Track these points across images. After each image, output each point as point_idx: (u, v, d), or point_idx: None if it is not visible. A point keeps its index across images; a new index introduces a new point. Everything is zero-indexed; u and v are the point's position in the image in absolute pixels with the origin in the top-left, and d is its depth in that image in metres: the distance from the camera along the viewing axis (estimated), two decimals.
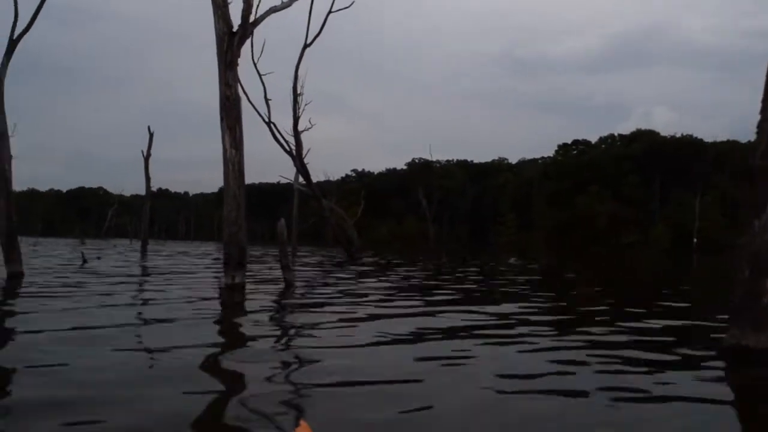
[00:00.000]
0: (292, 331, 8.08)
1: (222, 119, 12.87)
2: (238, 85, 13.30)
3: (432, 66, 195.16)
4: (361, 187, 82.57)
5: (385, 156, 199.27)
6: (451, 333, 7.73)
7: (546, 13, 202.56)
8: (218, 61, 13.02)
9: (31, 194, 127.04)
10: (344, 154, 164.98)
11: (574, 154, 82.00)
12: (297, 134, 28.34)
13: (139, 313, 9.06)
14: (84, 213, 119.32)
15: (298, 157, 28.58)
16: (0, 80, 14.44)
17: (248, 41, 16.06)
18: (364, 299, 11.55)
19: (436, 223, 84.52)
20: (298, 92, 27.80)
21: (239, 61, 13.36)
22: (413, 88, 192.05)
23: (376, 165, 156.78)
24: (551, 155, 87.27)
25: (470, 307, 10.49)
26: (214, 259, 26.87)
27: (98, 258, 25.00)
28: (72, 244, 50.09)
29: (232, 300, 11.21)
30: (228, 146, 12.78)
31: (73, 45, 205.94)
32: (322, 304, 10.62)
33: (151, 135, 56.00)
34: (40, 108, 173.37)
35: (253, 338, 7.21)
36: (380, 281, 16.27)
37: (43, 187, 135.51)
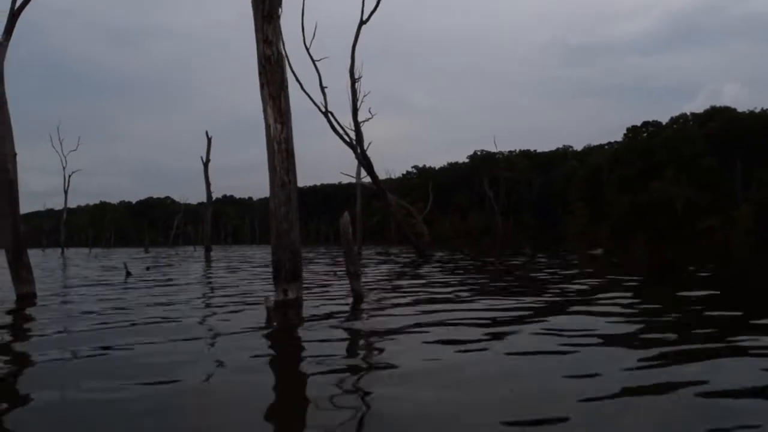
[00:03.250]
0: (380, 390, 4.72)
1: (262, 86, 9.65)
2: (281, 43, 10.06)
3: (487, 57, 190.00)
4: (425, 182, 79.27)
5: (445, 150, 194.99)
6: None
7: None
8: (254, 13, 9.82)
9: (103, 206, 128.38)
10: (404, 151, 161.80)
11: (644, 136, 76.30)
12: (357, 123, 25.12)
13: (128, 373, 5.81)
14: (153, 222, 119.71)
15: (359, 148, 25.37)
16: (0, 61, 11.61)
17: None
18: (472, 316, 8.12)
19: (502, 215, 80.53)
20: (356, 76, 24.61)
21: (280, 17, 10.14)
22: (470, 80, 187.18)
23: (437, 160, 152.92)
24: (619, 140, 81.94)
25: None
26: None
27: (147, 269, 22.29)
28: (135, 254, 48.23)
29: (284, 326, 7.95)
30: (272, 120, 9.55)
31: (138, 62, 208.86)
32: (411, 330, 7.23)
33: (209, 140, 54.24)
34: (108, 123, 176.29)
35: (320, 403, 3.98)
36: (479, 288, 12.81)
37: (113, 199, 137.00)
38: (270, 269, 14.76)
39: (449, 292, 11.11)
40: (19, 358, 6.13)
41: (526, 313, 8.28)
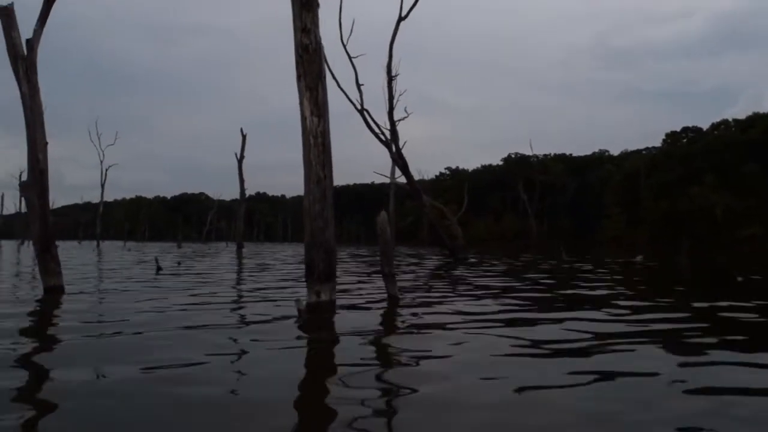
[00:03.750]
0: (412, 410, 4.17)
1: (299, 77, 9.17)
2: (319, 33, 9.56)
3: (524, 60, 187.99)
4: (458, 183, 78.48)
5: (479, 153, 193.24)
6: None
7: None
8: (292, 1, 9.34)
9: (138, 201, 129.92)
10: (437, 152, 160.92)
11: (684, 142, 74.48)
12: (393, 122, 24.61)
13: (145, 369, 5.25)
14: (187, 218, 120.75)
15: (394, 146, 24.83)
16: (32, 47, 11.31)
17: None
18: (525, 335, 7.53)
19: (536, 218, 79.37)
20: (393, 74, 24.05)
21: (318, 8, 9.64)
22: (506, 83, 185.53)
23: (471, 162, 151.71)
24: (657, 145, 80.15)
25: None
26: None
27: (178, 264, 22.05)
28: (168, 248, 48.33)
29: (314, 331, 7.44)
30: (308, 113, 9.06)
31: (175, 59, 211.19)
32: (448, 336, 6.67)
33: (244, 137, 54.32)
34: (145, 119, 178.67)
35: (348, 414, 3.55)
36: (520, 294, 12.19)
37: (149, 194, 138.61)
38: (302, 268, 14.32)
39: (493, 300, 10.51)
40: (43, 346, 5.72)
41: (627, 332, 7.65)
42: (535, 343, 6.22)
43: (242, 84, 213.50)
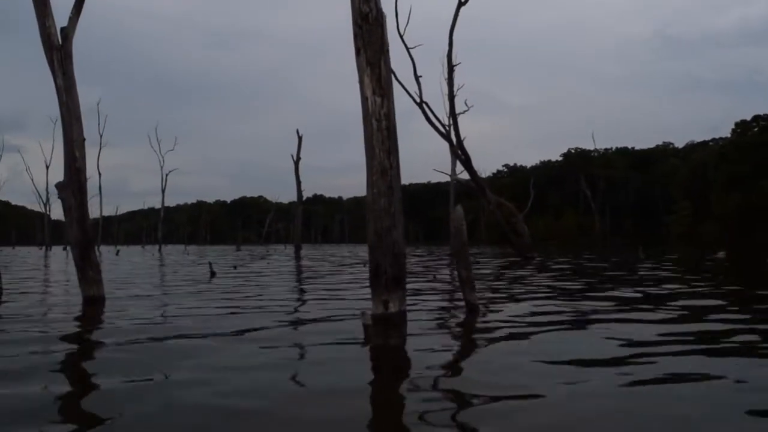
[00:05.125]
0: None
1: (358, 51, 7.77)
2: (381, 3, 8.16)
3: (581, 53, 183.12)
4: (516, 180, 76.19)
5: (537, 148, 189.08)
6: None
7: None
8: None
9: (199, 205, 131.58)
10: (493, 149, 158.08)
11: (755, 131, 70.30)
12: (454, 114, 23.05)
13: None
14: (246, 221, 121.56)
15: (456, 140, 23.29)
16: (67, 37, 10.27)
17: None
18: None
19: (598, 215, 76.45)
20: (454, 63, 22.51)
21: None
22: (562, 77, 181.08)
23: (528, 158, 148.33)
24: (725, 136, 76.10)
25: None
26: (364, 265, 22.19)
27: (234, 267, 21.04)
28: (227, 251, 47.86)
29: (385, 351, 6.04)
30: (369, 93, 7.66)
31: (235, 65, 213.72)
32: (542, 356, 5.17)
33: (300, 138, 53.59)
34: (206, 125, 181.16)
35: None
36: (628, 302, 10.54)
37: (210, 198, 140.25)
38: (364, 271, 12.97)
39: (595, 309, 8.92)
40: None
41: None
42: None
43: (300, 88, 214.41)
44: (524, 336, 6.43)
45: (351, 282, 14.34)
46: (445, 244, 54.52)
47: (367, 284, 7.74)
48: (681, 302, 9.26)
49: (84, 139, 10.09)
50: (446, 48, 22.25)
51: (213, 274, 16.67)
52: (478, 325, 7.37)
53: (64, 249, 59.09)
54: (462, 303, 8.42)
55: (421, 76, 23.17)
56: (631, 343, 5.84)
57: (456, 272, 8.78)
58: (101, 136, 67.80)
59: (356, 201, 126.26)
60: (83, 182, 9.95)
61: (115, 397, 4.12)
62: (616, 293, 10.62)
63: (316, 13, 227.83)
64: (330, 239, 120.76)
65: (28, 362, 5.24)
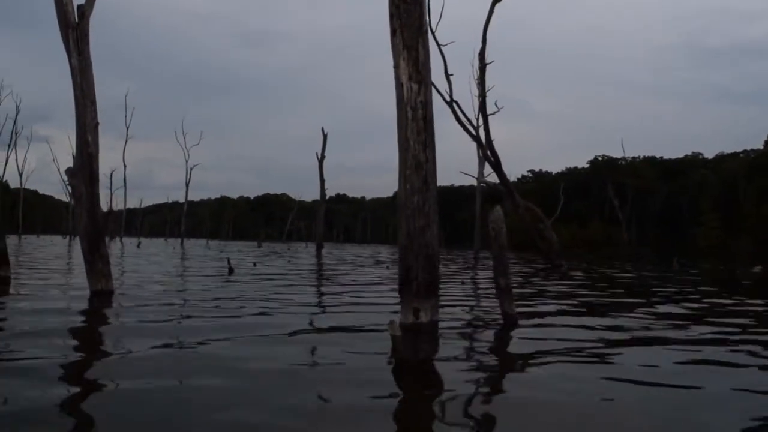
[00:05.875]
0: None
1: (393, 32, 7.02)
2: None
3: (610, 60, 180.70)
4: (541, 187, 74.97)
5: (563, 155, 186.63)
6: None
7: None
8: None
9: (223, 201, 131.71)
10: (518, 154, 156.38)
11: None
12: (485, 114, 22.20)
13: None
14: (269, 218, 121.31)
15: (486, 141, 22.45)
16: (83, 15, 9.65)
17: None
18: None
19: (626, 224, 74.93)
20: (487, 62, 21.67)
21: None
22: (590, 83, 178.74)
23: (553, 165, 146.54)
24: (757, 147, 74.09)
25: None
26: (389, 268, 21.47)
27: (254, 265, 20.38)
28: (248, 247, 47.35)
29: (414, 365, 5.29)
30: (405, 78, 6.91)
31: (262, 62, 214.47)
32: (595, 380, 4.38)
33: (325, 137, 52.96)
34: (231, 121, 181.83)
35: None
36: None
37: (234, 194, 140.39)
38: (389, 274, 12.21)
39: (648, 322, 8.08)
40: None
41: None
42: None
43: (325, 87, 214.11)
44: (571, 353, 5.64)
45: (374, 284, 13.56)
46: (469, 248, 53.54)
47: (396, 289, 7.02)
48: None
49: (98, 123, 9.47)
50: (477, 47, 21.48)
51: (231, 270, 16.01)
52: (518, 340, 6.58)
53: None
54: (497, 313, 7.63)
55: (452, 75, 22.40)
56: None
57: (492, 279, 8.00)
58: (127, 128, 67.68)
59: (379, 201, 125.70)
60: (95, 169, 9.33)
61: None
62: (661, 309, 9.75)
63: (343, 13, 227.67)
64: (352, 239, 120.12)
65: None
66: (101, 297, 8.96)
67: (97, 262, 9.22)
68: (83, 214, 9.18)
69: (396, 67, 7.05)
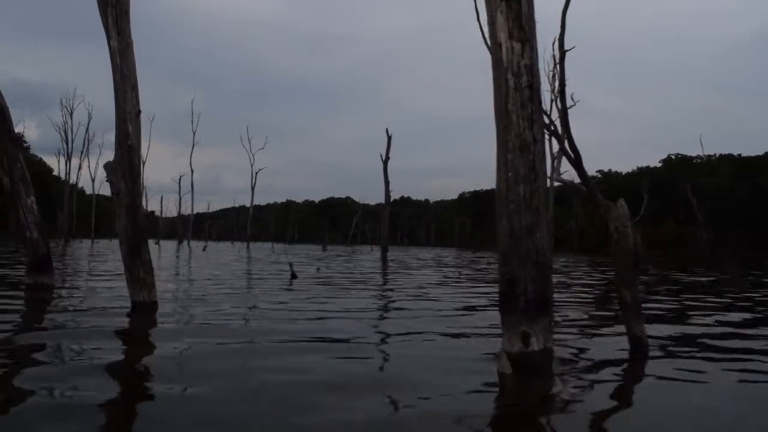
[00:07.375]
0: None
1: None
2: None
3: (681, 56, 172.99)
4: (611, 187, 71.62)
5: (633, 154, 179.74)
6: None
7: None
8: None
9: (288, 205, 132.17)
10: (585, 154, 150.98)
11: None
12: (564, 106, 20.20)
13: None
14: (333, 221, 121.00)
15: (565, 136, 20.52)
16: None
17: None
18: None
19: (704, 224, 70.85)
20: (567, 48, 19.73)
21: None
22: (660, 80, 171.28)
23: (624, 164, 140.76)
24: None
25: None
26: (466, 274, 19.83)
27: (317, 270, 19.08)
28: (313, 251, 46.42)
29: (532, 413, 3.73)
30: (504, 37, 5.29)
31: (326, 68, 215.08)
32: None
33: (389, 138, 51.70)
34: (295, 126, 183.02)
35: None
36: None
37: (299, 198, 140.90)
38: (472, 285, 10.75)
39: None
40: None
41: None
42: None
43: (390, 91, 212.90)
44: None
45: (459, 295, 11.81)
46: None
47: (491, 305, 5.44)
48: None
49: (140, 111, 8.20)
50: (555, 34, 19.58)
51: (293, 276, 14.73)
52: (658, 374, 4.91)
53: (156, 243, 59.38)
54: (615, 333, 5.96)
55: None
56: None
57: (586, 290, 6.35)
58: (194, 134, 68.19)
59: (443, 204, 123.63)
60: (136, 163, 8.06)
61: None
62: None
63: (406, 18, 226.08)
64: (416, 242, 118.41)
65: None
66: (142, 311, 7.69)
67: (138, 269, 7.95)
68: (122, 215, 7.93)
69: (491, 24, 5.44)
